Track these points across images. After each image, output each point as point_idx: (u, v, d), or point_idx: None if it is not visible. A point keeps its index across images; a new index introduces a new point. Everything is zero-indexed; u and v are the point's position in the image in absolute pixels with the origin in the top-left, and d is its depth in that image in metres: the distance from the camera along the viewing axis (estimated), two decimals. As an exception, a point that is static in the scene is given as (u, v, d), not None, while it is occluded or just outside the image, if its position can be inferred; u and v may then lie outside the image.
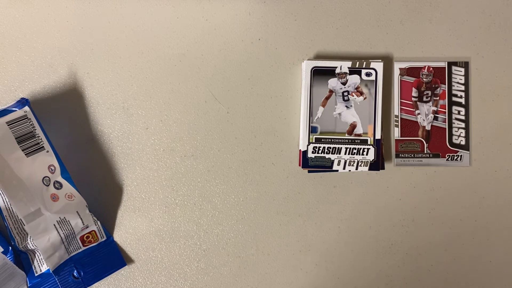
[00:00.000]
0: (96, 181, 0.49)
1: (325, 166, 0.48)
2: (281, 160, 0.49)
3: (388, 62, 0.50)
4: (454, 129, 0.50)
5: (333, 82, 0.48)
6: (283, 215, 0.50)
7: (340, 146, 0.48)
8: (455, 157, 0.49)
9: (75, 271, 0.47)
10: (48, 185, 0.45)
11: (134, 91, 0.50)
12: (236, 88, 0.50)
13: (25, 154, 0.45)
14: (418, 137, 0.49)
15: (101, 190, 0.49)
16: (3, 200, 0.45)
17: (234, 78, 0.50)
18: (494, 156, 0.50)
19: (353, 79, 0.48)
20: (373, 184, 0.50)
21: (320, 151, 0.48)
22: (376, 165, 0.48)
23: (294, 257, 0.50)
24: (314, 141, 0.48)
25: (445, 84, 0.50)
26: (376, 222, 0.50)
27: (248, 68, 0.50)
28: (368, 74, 0.48)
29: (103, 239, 0.48)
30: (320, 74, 0.48)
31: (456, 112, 0.50)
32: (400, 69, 0.49)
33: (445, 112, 0.50)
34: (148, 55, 0.49)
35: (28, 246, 0.46)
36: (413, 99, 0.50)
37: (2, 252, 0.46)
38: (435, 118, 0.49)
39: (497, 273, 0.50)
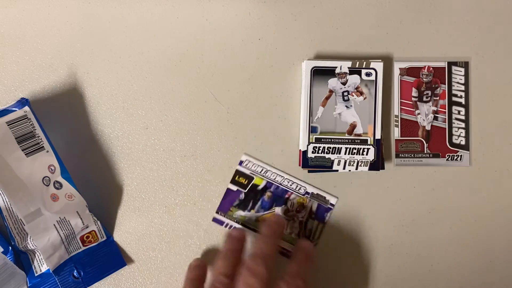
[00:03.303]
0: (96, 181, 0.49)
1: (325, 166, 0.48)
2: (281, 160, 0.49)
3: (388, 62, 0.50)
4: (454, 129, 0.50)
5: (333, 82, 0.48)
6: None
7: (340, 146, 0.48)
8: (455, 157, 0.49)
9: (75, 271, 0.47)
10: (48, 185, 0.45)
11: (134, 91, 0.50)
12: (236, 88, 0.50)
13: (25, 154, 0.45)
14: (418, 137, 0.49)
15: (101, 190, 0.49)
16: (3, 200, 0.45)
17: (234, 78, 0.50)
18: (494, 156, 0.50)
19: (353, 79, 0.48)
20: (373, 184, 0.50)
21: (320, 151, 0.48)
22: (376, 165, 0.48)
23: (294, 257, 0.50)
24: (314, 141, 0.48)
25: (445, 84, 0.50)
26: (376, 222, 0.50)
27: (248, 68, 0.50)
28: (368, 74, 0.48)
29: (103, 239, 0.48)
30: (320, 74, 0.48)
31: (456, 112, 0.50)
32: (400, 69, 0.49)
33: (445, 112, 0.50)
34: (148, 55, 0.49)
35: (28, 246, 0.46)
36: (413, 99, 0.50)
37: (2, 252, 0.46)
38: (435, 118, 0.49)
39: (497, 273, 0.50)
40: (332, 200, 0.48)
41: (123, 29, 0.49)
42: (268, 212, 0.48)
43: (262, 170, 0.47)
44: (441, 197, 0.50)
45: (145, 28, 0.49)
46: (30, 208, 0.44)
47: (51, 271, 0.46)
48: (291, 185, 0.48)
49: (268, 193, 0.48)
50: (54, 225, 0.45)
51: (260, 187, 0.48)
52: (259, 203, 0.48)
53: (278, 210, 0.48)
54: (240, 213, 0.48)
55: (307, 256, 0.46)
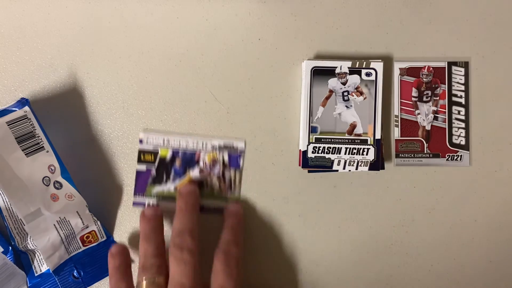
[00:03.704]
0: (96, 181, 0.49)
1: (325, 166, 0.48)
2: (281, 160, 0.49)
3: (388, 62, 0.50)
4: (454, 129, 0.50)
5: (333, 82, 0.48)
6: (283, 215, 0.50)
7: (340, 146, 0.48)
8: (455, 157, 0.49)
9: (75, 271, 0.47)
10: (48, 185, 0.45)
11: (134, 91, 0.50)
12: (236, 88, 0.50)
13: (25, 154, 0.45)
14: (418, 137, 0.49)
15: (101, 190, 0.49)
16: (3, 200, 0.45)
17: (234, 78, 0.50)
18: (494, 156, 0.50)
19: (353, 79, 0.48)
20: (373, 184, 0.50)
21: (320, 151, 0.48)
22: (376, 165, 0.48)
23: (294, 257, 0.50)
24: (314, 141, 0.48)
25: (445, 84, 0.50)
26: (376, 222, 0.50)
27: (248, 68, 0.50)
28: (368, 74, 0.48)
29: (103, 239, 0.48)
30: (320, 74, 0.48)
31: (456, 112, 0.50)
32: (400, 69, 0.50)
33: (445, 112, 0.50)
34: (148, 55, 0.49)
35: (28, 246, 0.46)
36: (413, 99, 0.50)
37: (2, 252, 0.46)
38: (435, 118, 0.49)
39: (497, 273, 0.50)
40: (240, 144, 0.48)
41: (123, 29, 0.49)
42: (184, 177, 0.48)
43: (163, 141, 0.47)
44: (441, 197, 0.50)
45: (145, 28, 0.49)
46: (30, 208, 0.44)
47: (51, 271, 0.46)
48: (196, 145, 0.48)
49: (177, 161, 0.48)
50: (54, 225, 0.45)
51: (168, 158, 0.48)
52: (172, 173, 0.48)
53: (193, 172, 0.48)
54: (158, 189, 0.48)
55: (238, 221, 0.47)
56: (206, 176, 0.48)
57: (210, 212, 0.49)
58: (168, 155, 0.48)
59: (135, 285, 0.45)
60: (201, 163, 0.48)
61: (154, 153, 0.48)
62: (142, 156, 0.48)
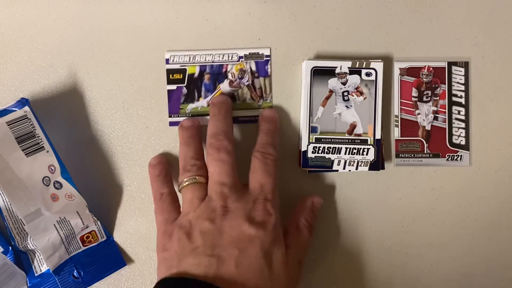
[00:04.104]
0: (96, 181, 0.49)
1: (325, 166, 0.48)
2: (281, 160, 0.49)
3: (388, 62, 0.50)
4: (454, 129, 0.50)
5: (333, 82, 0.48)
6: (283, 215, 0.49)
7: (340, 146, 0.48)
8: (455, 157, 0.49)
9: (75, 271, 0.47)
10: (48, 185, 0.45)
11: (134, 91, 0.50)
12: (236, 88, 0.50)
13: (25, 154, 0.45)
14: (418, 137, 0.49)
15: (101, 190, 0.49)
16: (3, 200, 0.45)
17: (234, 78, 0.50)
18: (494, 156, 0.50)
19: (353, 79, 0.48)
20: (373, 184, 0.50)
21: (320, 151, 0.48)
22: (376, 165, 0.48)
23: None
24: (314, 141, 0.48)
25: (445, 84, 0.50)
26: (376, 222, 0.50)
27: (248, 68, 0.50)
28: (368, 74, 0.48)
29: (103, 239, 0.48)
30: (320, 74, 0.48)
31: (456, 112, 0.50)
32: (400, 69, 0.50)
33: (445, 112, 0.50)
34: (148, 55, 0.49)
35: (28, 246, 0.46)
36: (413, 99, 0.50)
37: (2, 252, 0.46)
38: (435, 118, 0.49)
39: (497, 273, 0.50)
40: (266, 51, 0.48)
41: (123, 29, 0.49)
42: (215, 92, 0.48)
43: (190, 57, 0.48)
44: (441, 197, 0.50)
45: (145, 28, 0.49)
46: (30, 208, 0.44)
47: (51, 271, 0.46)
48: (222, 58, 0.48)
49: (206, 76, 0.48)
50: (54, 225, 0.45)
51: (196, 74, 0.48)
52: (203, 88, 0.48)
53: (223, 86, 0.48)
54: (191, 106, 0.49)
55: (273, 125, 0.47)
56: (237, 88, 0.48)
57: (244, 121, 0.49)
58: (196, 71, 0.48)
59: (176, 189, 0.46)
60: (229, 76, 0.48)
61: (182, 71, 0.48)
62: (170, 75, 0.48)
